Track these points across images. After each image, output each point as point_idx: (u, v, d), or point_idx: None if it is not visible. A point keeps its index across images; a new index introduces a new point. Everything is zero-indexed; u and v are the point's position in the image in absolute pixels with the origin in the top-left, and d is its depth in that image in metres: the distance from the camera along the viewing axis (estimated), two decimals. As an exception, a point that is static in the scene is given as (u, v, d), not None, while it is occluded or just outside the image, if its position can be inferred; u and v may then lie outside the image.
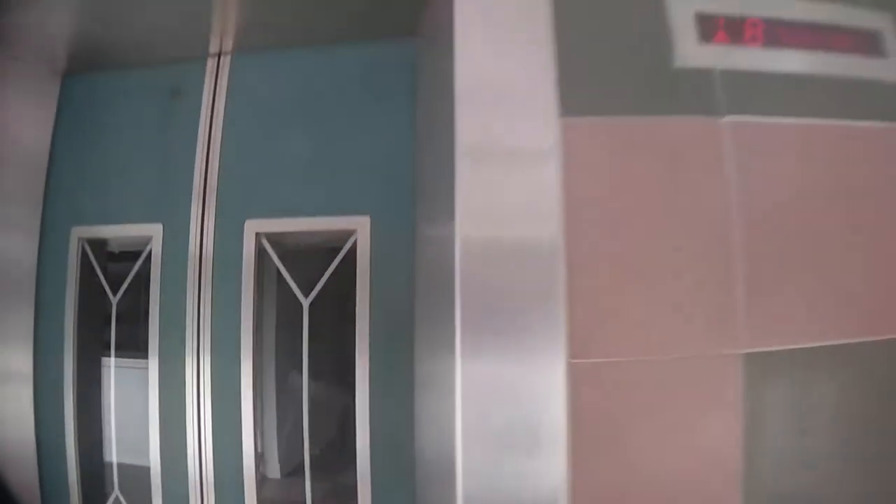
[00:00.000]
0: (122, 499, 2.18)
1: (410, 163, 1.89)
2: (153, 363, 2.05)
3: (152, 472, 2.06)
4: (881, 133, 1.34)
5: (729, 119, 1.29)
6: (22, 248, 2.14)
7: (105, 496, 2.19)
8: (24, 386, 2.14)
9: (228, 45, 2.08)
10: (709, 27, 1.34)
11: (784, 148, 1.30)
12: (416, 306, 1.80)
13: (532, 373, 1.18)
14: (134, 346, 2.20)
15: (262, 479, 2.09)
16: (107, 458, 2.22)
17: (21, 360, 2.14)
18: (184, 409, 2.02)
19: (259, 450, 2.09)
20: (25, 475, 2.11)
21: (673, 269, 1.24)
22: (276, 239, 2.01)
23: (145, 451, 2.09)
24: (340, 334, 1.99)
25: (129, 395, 2.19)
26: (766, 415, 1.23)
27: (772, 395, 1.24)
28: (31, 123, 2.18)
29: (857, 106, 1.35)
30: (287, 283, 2.01)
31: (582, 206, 1.23)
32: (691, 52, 1.33)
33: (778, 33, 1.37)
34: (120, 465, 2.19)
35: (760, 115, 1.30)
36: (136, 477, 2.15)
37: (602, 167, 1.26)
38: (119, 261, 2.25)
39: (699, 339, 1.23)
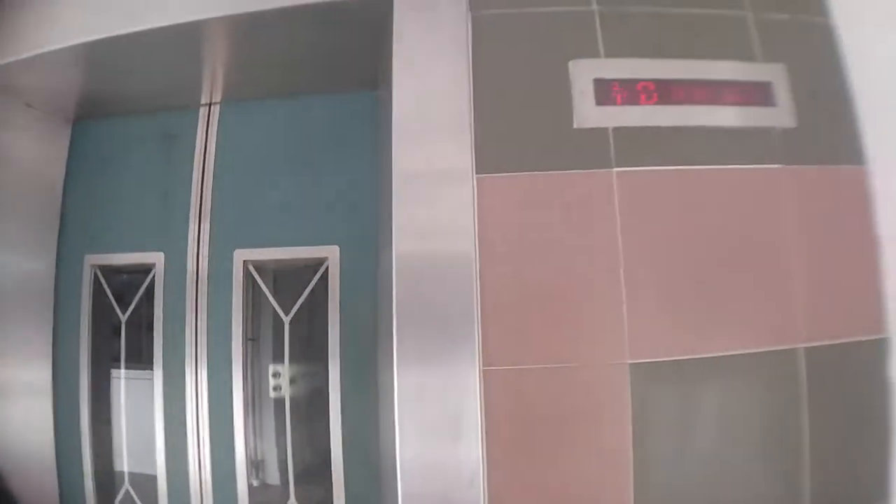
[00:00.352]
0: (132, 493, 2.33)
1: (373, 199, 2.07)
2: (158, 375, 2.22)
3: (158, 477, 2.22)
4: (767, 174, 1.52)
5: (618, 170, 1.47)
6: (40, 273, 2.31)
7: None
8: (44, 398, 2.29)
9: (217, 96, 2.26)
10: (605, 91, 1.52)
11: (667, 191, 1.47)
12: (379, 323, 1.98)
13: (454, 377, 1.38)
14: (140, 359, 2.35)
15: (262, 485, 2.23)
16: (118, 467, 2.36)
17: (41, 374, 2.29)
18: (184, 417, 2.19)
19: (259, 457, 2.24)
20: (45, 481, 2.26)
21: (570, 294, 1.43)
22: (260, 265, 2.19)
23: (151, 459, 2.25)
24: (317, 348, 2.15)
25: (137, 405, 2.35)
26: (651, 415, 1.40)
27: (654, 398, 1.41)
28: (46, 162, 2.35)
29: (745, 152, 1.52)
30: (271, 302, 2.19)
31: (494, 244, 1.43)
32: (589, 114, 1.51)
33: (670, 92, 1.53)
34: (129, 473, 2.33)
35: (646, 166, 1.48)
36: (143, 484, 2.31)
37: (512, 213, 1.46)
38: (127, 273, 2.41)
39: (592, 351, 1.42)
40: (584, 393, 1.42)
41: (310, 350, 2.19)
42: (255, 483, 2.18)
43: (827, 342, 1.46)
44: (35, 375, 2.28)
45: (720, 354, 1.43)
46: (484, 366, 1.40)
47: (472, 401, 1.38)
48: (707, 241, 1.47)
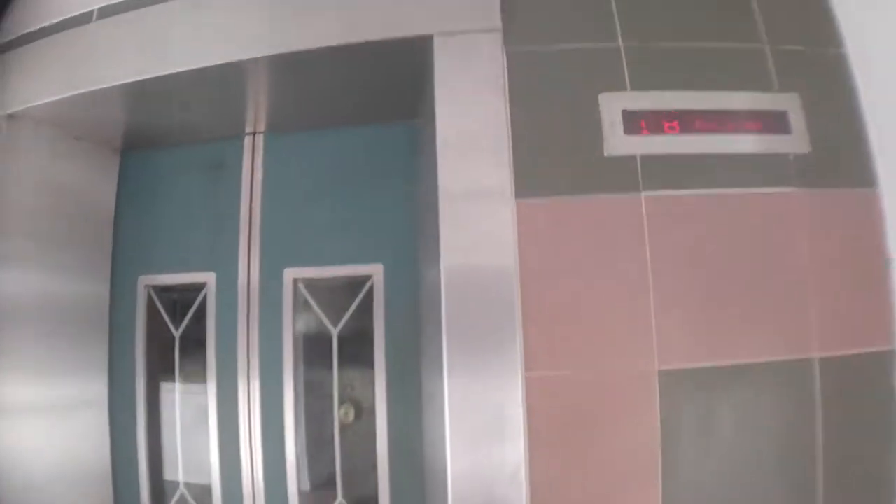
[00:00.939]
0: (187, 496, 2.44)
1: (414, 220, 2.19)
2: (211, 389, 2.33)
3: (213, 487, 2.32)
4: (782, 196, 1.61)
5: (645, 194, 1.59)
6: (96, 295, 2.42)
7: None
8: (101, 411, 2.40)
9: (261, 126, 2.38)
10: (632, 121, 1.64)
11: (690, 213, 1.58)
12: (423, 336, 2.10)
13: (499, 382, 1.50)
14: (193, 374, 2.44)
15: (312, 489, 2.31)
16: (171, 477, 2.46)
17: (98, 389, 2.40)
18: (237, 429, 2.30)
19: (309, 463, 2.32)
20: (101, 492, 2.37)
21: (603, 306, 1.55)
22: (309, 283, 2.31)
23: (205, 468, 2.36)
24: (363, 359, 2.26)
25: (190, 418, 2.45)
26: (677, 419, 1.51)
27: (680, 403, 1.52)
28: (97, 191, 2.46)
29: (761, 176, 1.62)
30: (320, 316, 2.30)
31: (533, 261, 1.55)
32: (618, 142, 1.63)
33: (693, 122, 1.64)
34: (184, 483, 2.43)
35: (671, 189, 1.60)
36: (197, 492, 2.41)
37: (549, 233, 1.58)
38: (179, 292, 2.50)
39: (623, 359, 1.53)
40: (616, 397, 1.53)
41: (356, 362, 2.28)
42: (305, 488, 2.27)
43: (840, 353, 1.55)
44: (92, 391, 2.38)
45: (741, 363, 1.54)
46: (526, 371, 1.51)
47: (516, 403, 1.49)
48: (728, 258, 1.58)
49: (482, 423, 1.49)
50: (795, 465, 1.55)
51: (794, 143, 1.66)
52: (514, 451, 1.49)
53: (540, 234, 1.58)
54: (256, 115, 2.30)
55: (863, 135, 1.67)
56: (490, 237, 1.57)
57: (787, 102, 1.68)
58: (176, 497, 2.45)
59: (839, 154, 1.66)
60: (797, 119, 1.66)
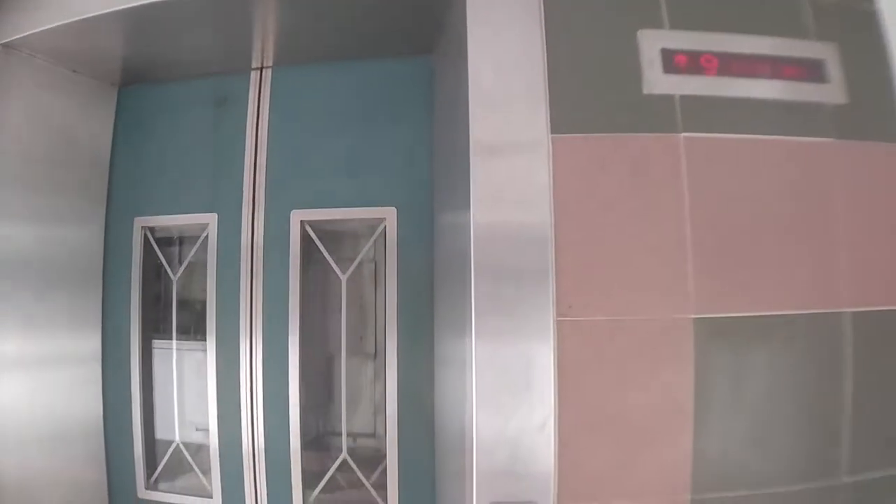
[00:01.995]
0: (183, 450, 2.39)
1: (429, 162, 2.12)
2: (211, 337, 2.26)
3: (211, 446, 2.28)
4: (819, 146, 1.57)
5: (684, 135, 1.53)
6: (90, 240, 2.35)
7: (165, 469, 2.41)
8: (94, 367, 2.35)
9: (269, 60, 2.27)
10: (671, 61, 1.58)
11: (729, 157, 1.53)
12: (436, 285, 2.05)
13: (528, 327, 1.44)
14: (191, 327, 2.40)
15: (316, 443, 2.30)
16: (166, 436, 2.43)
17: (90, 344, 2.34)
18: (237, 380, 2.24)
19: (314, 415, 2.30)
20: (94, 449, 2.34)
21: (636, 251, 1.50)
22: (317, 226, 2.22)
23: (202, 424, 2.34)
24: (373, 307, 2.22)
25: (187, 373, 2.42)
26: (712, 369, 1.48)
27: (714, 351, 1.48)
28: (93, 129, 2.36)
29: (800, 124, 1.57)
30: (327, 263, 2.22)
31: (566, 203, 1.49)
32: (657, 81, 1.56)
33: (730, 65, 1.58)
34: (181, 442, 2.40)
35: (710, 132, 1.54)
36: (193, 453, 2.39)
37: (583, 172, 1.51)
38: (177, 245, 2.46)
39: (657, 305, 1.49)
40: (651, 344, 1.49)
41: (365, 310, 2.23)
42: (308, 443, 2.24)
43: (872, 308, 1.54)
44: (85, 345, 2.34)
45: (774, 314, 1.51)
46: (557, 316, 1.46)
47: (546, 349, 1.45)
48: (764, 206, 1.53)
49: (510, 373, 1.44)
50: (824, 417, 1.53)
51: (831, 92, 1.61)
52: (542, 401, 1.45)
53: (575, 172, 1.51)
54: (263, 47, 2.19)
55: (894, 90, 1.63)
56: (523, 177, 1.50)
57: (825, 51, 1.63)
58: (170, 452, 2.41)
59: (874, 107, 1.63)
60: (834, 69, 1.62)
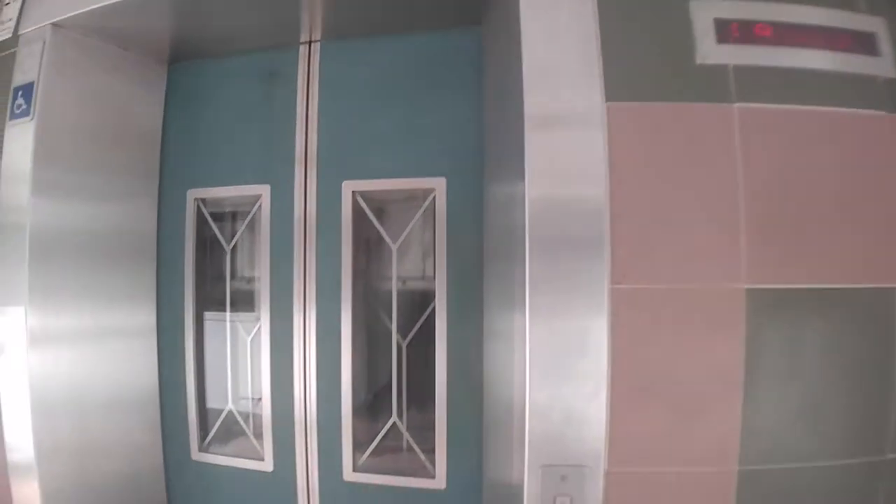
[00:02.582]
0: (236, 413, 2.49)
1: (478, 133, 2.14)
2: (265, 306, 2.33)
3: (264, 412, 2.37)
4: (872, 119, 1.56)
5: (738, 105, 1.53)
6: (144, 215, 2.41)
7: (217, 435, 2.50)
8: (150, 339, 2.44)
9: (317, 34, 2.29)
10: (725, 30, 1.57)
11: (782, 128, 1.53)
12: (485, 255, 2.07)
13: (582, 297, 1.47)
14: (244, 299, 2.47)
15: (367, 408, 2.35)
16: (217, 405, 2.53)
17: (146, 316, 2.42)
18: (291, 347, 2.31)
19: (364, 381, 2.34)
20: (150, 416, 2.43)
21: (690, 221, 1.51)
22: (368, 196, 2.26)
23: (253, 396, 2.44)
24: (423, 277, 2.25)
25: (239, 343, 2.49)
26: (765, 339, 1.49)
27: (768, 323, 1.49)
28: (144, 106, 2.40)
29: (851, 96, 1.56)
30: (378, 233, 2.26)
31: (621, 172, 1.50)
32: (710, 50, 1.56)
33: (784, 35, 1.58)
34: (233, 409, 2.49)
35: (764, 103, 1.54)
36: (245, 418, 2.48)
37: (636, 141, 1.52)
38: (229, 219, 2.50)
39: (710, 275, 1.49)
40: (703, 313, 1.50)
41: (416, 280, 2.26)
42: (359, 408, 2.30)
43: None
44: (140, 318, 2.42)
45: (827, 287, 1.51)
46: (612, 284, 1.48)
47: (600, 317, 1.47)
48: (818, 178, 1.53)
49: (564, 340, 1.47)
50: (874, 393, 1.54)
51: (883, 66, 1.60)
52: (595, 368, 1.47)
53: (629, 140, 1.52)
54: (311, 21, 2.21)
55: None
56: (578, 146, 1.51)
57: (876, 25, 1.62)
58: (222, 417, 2.50)
59: (924, 83, 1.61)
60: (885, 42, 1.61)
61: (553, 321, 1.47)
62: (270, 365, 2.35)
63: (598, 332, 1.48)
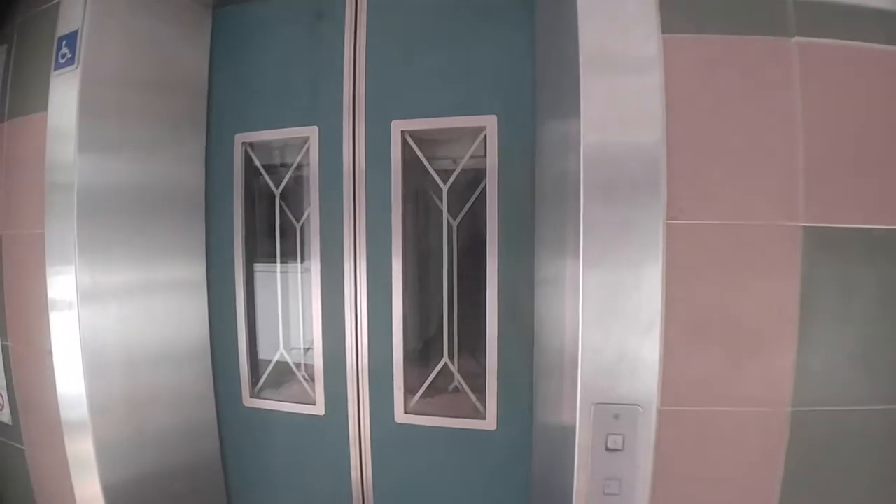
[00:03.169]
0: (286, 355, 2.53)
1: (530, 71, 2.09)
2: (315, 248, 2.36)
3: (315, 358, 2.40)
4: None
5: (797, 39, 1.49)
6: (191, 163, 2.41)
7: (267, 382, 2.55)
8: (200, 290, 2.47)
9: None
10: None
11: (842, 64, 1.48)
12: (537, 194, 2.05)
13: (638, 231, 1.45)
14: (293, 246, 2.49)
15: (419, 353, 2.37)
16: (267, 356, 2.57)
17: (196, 267, 2.44)
18: (342, 287, 2.33)
19: (416, 323, 2.36)
20: (201, 366, 2.48)
21: (746, 157, 1.48)
22: (417, 135, 2.23)
23: (304, 345, 2.47)
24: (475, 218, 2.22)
25: (290, 291, 2.52)
26: (821, 279, 1.47)
27: (825, 263, 1.47)
28: (190, 52, 2.39)
29: None
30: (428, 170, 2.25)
31: (677, 104, 1.47)
32: None
33: None
34: (285, 355, 2.54)
35: (824, 38, 1.49)
36: (297, 363, 2.52)
37: (693, 74, 1.48)
38: (278, 165, 2.50)
39: (767, 212, 1.47)
40: (759, 250, 1.48)
41: (468, 217, 2.25)
42: (411, 349, 2.32)
43: None
44: (191, 270, 2.44)
45: (886, 227, 1.48)
46: (668, 219, 1.46)
47: (655, 252, 1.46)
48: (877, 117, 1.49)
49: (619, 276, 1.46)
50: None
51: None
52: (649, 305, 1.46)
53: (686, 73, 1.49)
54: (357, -44, 2.13)
55: None
56: (634, 79, 1.48)
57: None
58: (273, 363, 2.54)
59: None
60: None
61: (607, 261, 1.46)
62: (322, 310, 2.37)
63: (652, 271, 1.47)
